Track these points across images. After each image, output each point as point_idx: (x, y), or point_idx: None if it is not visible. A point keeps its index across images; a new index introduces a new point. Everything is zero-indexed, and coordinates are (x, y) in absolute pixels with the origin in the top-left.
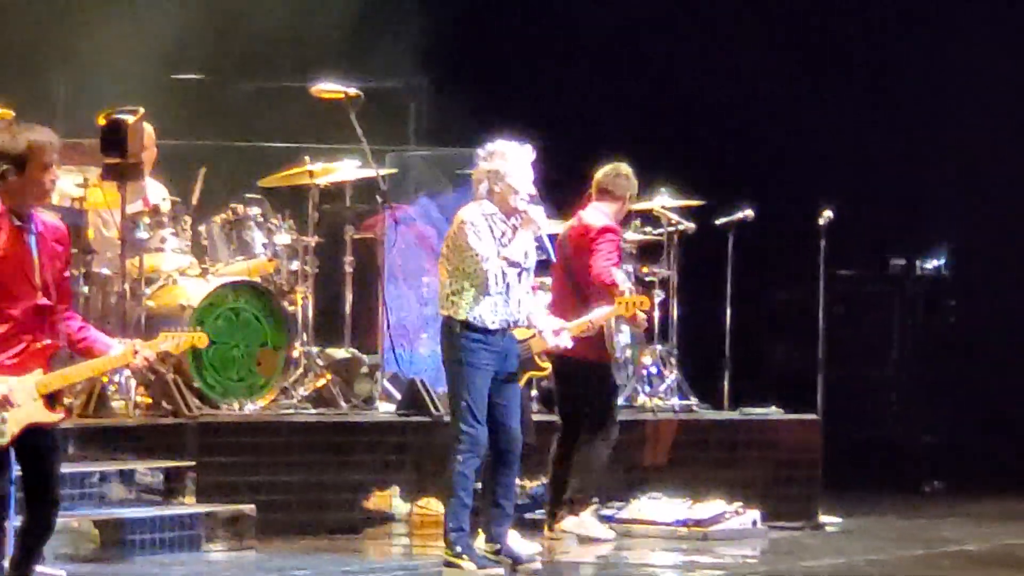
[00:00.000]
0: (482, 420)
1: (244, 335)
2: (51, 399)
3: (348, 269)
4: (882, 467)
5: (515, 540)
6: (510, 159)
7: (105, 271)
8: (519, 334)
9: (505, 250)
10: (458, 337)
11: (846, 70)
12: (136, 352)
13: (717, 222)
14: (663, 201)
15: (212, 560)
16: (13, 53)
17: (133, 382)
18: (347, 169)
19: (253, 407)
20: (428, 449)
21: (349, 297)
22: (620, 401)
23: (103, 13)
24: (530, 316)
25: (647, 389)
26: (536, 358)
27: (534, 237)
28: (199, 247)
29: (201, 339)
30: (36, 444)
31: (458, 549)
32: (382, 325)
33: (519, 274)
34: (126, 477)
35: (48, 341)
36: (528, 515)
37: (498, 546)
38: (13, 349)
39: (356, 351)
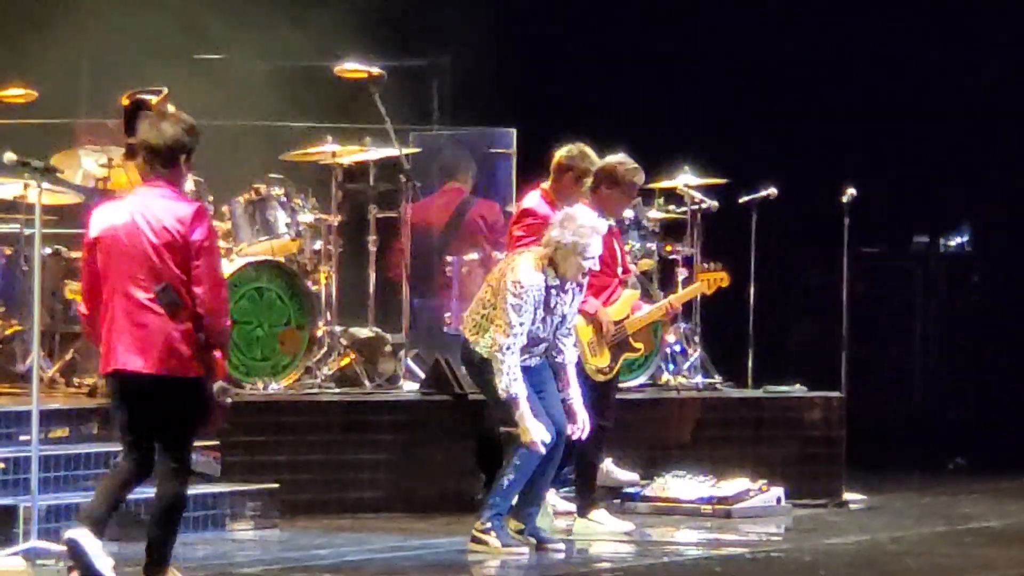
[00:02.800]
0: (539, 411)
1: (268, 315)
2: None
3: (371, 248)
4: (905, 444)
5: (607, 517)
6: (584, 235)
7: None
8: (614, 314)
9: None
10: (478, 363)
11: (868, 47)
12: None
13: (740, 200)
14: (686, 179)
15: (236, 539)
16: (37, 34)
17: None
18: (370, 148)
19: (277, 387)
20: (452, 428)
21: (372, 276)
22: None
23: None
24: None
25: (671, 367)
26: (631, 340)
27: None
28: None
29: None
30: None
31: (488, 525)
32: (406, 303)
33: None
34: None
35: None
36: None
37: (523, 526)
38: None
39: (379, 330)
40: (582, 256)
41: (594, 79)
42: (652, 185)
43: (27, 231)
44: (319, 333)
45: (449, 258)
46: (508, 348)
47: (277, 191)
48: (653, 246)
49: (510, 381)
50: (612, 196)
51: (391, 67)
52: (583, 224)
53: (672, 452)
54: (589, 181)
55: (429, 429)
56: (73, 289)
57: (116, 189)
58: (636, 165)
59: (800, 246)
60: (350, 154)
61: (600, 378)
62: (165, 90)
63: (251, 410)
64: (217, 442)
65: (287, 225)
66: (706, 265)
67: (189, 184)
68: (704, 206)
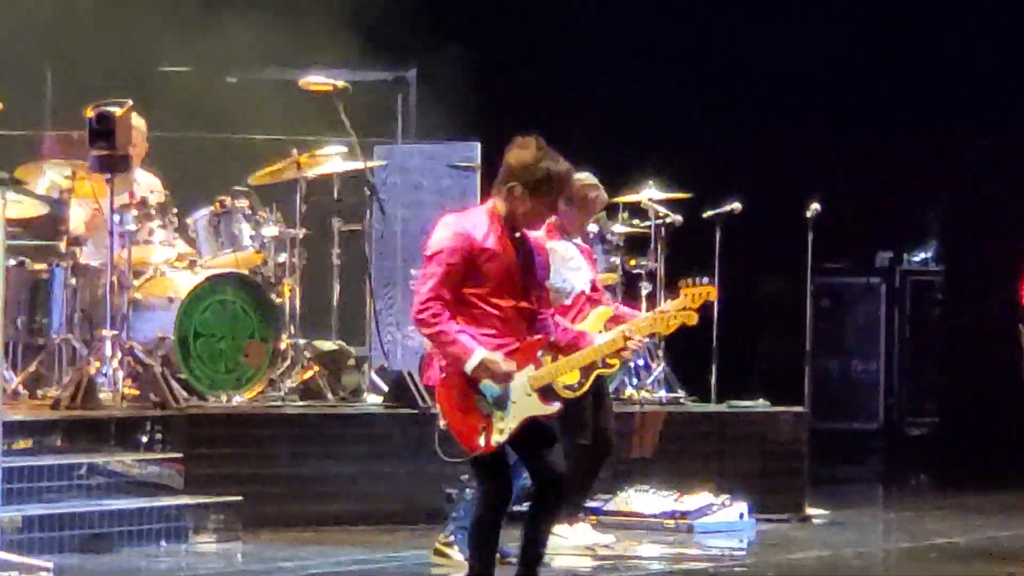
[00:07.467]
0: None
1: (232, 327)
2: (544, 392)
3: (336, 261)
4: (869, 459)
5: (587, 531)
6: (557, 267)
7: (93, 263)
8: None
9: None
10: None
11: (834, 63)
12: (627, 337)
13: (705, 215)
14: (650, 194)
15: (199, 552)
16: (1, 46)
17: (120, 374)
18: (334, 161)
19: (240, 399)
20: (415, 441)
21: (336, 289)
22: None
23: (91, 5)
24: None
25: (634, 381)
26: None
27: None
28: (187, 239)
29: (691, 317)
30: (534, 434)
31: (451, 538)
32: (370, 317)
33: None
34: (113, 469)
35: (537, 337)
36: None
37: None
38: (506, 348)
39: (343, 343)
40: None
41: (559, 93)
42: (616, 199)
43: None
44: (283, 346)
45: (413, 271)
46: None
47: (241, 203)
48: (617, 260)
49: None
50: (569, 213)
51: (356, 80)
52: (559, 255)
53: (635, 466)
54: None
55: (392, 442)
56: None
57: (81, 200)
58: (595, 182)
59: (764, 261)
60: (317, 165)
61: (568, 395)
62: (129, 102)
63: (214, 422)
64: (181, 454)
65: (251, 238)
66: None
67: (158, 196)
68: (668, 220)
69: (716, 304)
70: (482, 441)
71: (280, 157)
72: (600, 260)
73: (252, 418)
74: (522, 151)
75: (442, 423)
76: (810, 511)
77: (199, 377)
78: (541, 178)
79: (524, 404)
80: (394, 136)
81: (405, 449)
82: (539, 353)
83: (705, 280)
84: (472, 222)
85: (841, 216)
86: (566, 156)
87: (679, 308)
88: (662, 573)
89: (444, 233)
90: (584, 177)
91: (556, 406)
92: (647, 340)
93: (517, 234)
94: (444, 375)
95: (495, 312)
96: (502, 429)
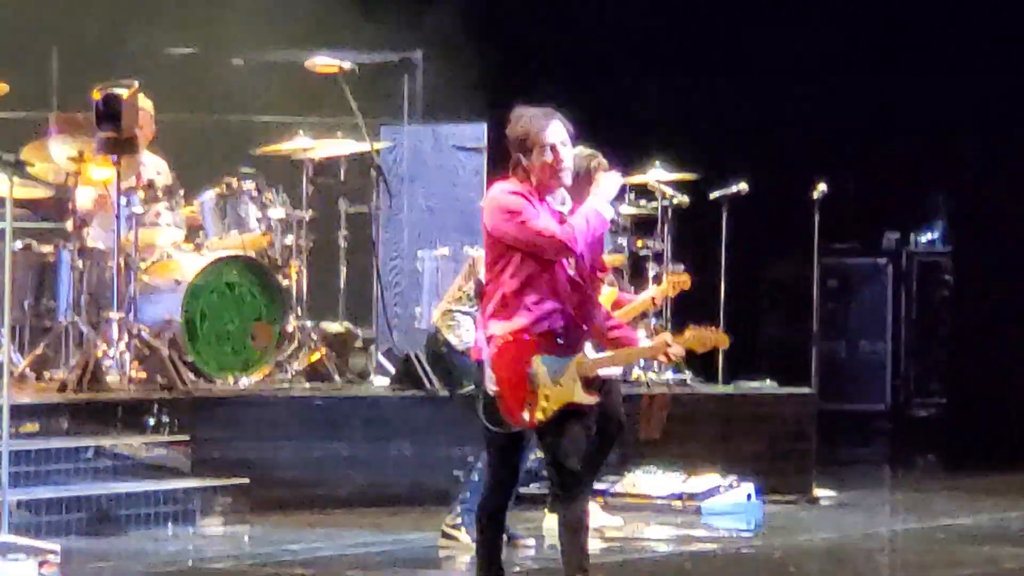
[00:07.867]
0: None
1: (239, 309)
2: (587, 382)
3: (342, 243)
4: (876, 440)
5: (596, 513)
6: None
7: (100, 245)
8: None
9: None
10: (446, 358)
11: (840, 42)
12: (668, 345)
13: (711, 195)
14: (657, 175)
15: (207, 534)
16: (7, 27)
17: (127, 357)
18: (341, 143)
19: (247, 381)
20: (423, 423)
21: (343, 271)
22: None
23: None
24: None
25: (641, 363)
26: None
27: None
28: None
29: (723, 340)
30: (564, 419)
31: (458, 520)
32: (377, 298)
33: None
34: (120, 451)
35: (586, 327)
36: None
37: None
38: (556, 316)
39: (350, 325)
40: None
41: (566, 74)
42: (623, 180)
43: None
44: (290, 328)
45: (420, 253)
46: None
47: (248, 185)
48: (624, 241)
49: None
50: (575, 187)
51: (363, 62)
52: None
53: (642, 448)
54: None
55: (400, 424)
56: None
57: (88, 182)
58: (591, 151)
59: (771, 242)
60: (322, 147)
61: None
62: (136, 84)
63: (222, 405)
64: (188, 437)
65: (258, 220)
66: (673, 267)
67: (165, 178)
68: (675, 201)
69: (723, 285)
70: (526, 415)
71: (286, 139)
72: (607, 241)
73: (259, 400)
74: (507, 127)
75: (492, 388)
76: (817, 492)
77: (206, 359)
78: (525, 136)
79: (568, 388)
80: (400, 117)
81: (412, 431)
82: (586, 343)
83: (681, 268)
84: (519, 191)
85: (848, 197)
86: (575, 137)
87: (662, 294)
88: (670, 555)
89: (508, 197)
90: (580, 150)
91: (596, 398)
92: (653, 321)
93: (565, 208)
94: (503, 343)
95: (549, 278)
96: (544, 408)
